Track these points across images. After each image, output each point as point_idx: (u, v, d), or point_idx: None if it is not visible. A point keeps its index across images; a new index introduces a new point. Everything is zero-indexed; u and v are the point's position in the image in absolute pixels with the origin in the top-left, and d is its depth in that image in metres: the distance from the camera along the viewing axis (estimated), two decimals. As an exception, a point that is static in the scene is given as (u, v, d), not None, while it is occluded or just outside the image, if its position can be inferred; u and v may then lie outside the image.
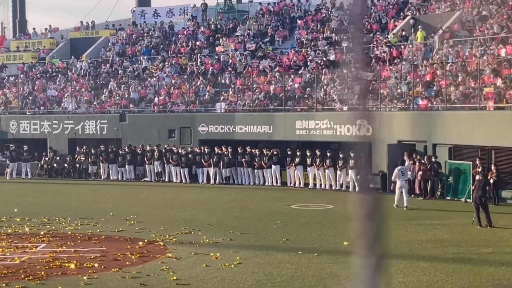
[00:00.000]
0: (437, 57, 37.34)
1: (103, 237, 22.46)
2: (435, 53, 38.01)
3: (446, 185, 31.49)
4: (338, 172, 35.35)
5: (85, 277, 16.67)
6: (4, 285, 15.97)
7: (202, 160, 39.49)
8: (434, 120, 33.38)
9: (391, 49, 39.86)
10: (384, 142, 34.13)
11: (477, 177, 25.24)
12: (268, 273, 16.89)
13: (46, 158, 44.52)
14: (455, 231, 23.01)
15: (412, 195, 32.08)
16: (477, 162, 29.05)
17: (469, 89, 33.73)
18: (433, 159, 31.99)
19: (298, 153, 36.90)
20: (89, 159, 43.07)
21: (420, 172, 31.66)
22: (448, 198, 31.14)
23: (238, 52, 47.07)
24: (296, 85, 41.25)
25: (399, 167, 29.30)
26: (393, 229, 23.25)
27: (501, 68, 33.14)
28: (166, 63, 48.50)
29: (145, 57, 50.19)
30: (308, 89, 40.67)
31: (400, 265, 17.74)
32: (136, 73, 48.48)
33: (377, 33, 43.31)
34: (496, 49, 34.78)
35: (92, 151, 42.98)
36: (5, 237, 22.54)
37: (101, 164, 42.73)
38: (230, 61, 46.22)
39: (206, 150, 39.51)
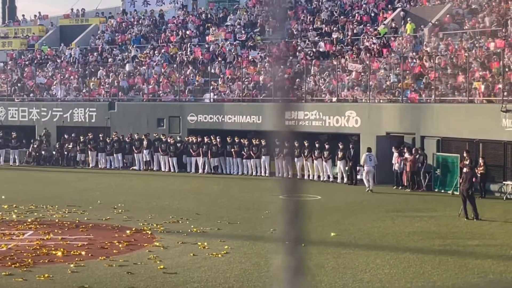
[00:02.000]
0: (426, 49, 37.40)
1: (90, 225, 22.47)
2: (425, 46, 38.08)
3: (434, 178, 31.60)
4: (324, 163, 35.42)
5: (72, 265, 16.68)
6: (-10, 272, 15.96)
7: (191, 150, 39.47)
8: (422, 113, 33.47)
9: (381, 41, 39.89)
10: (372, 134, 34.23)
11: (465, 169, 25.36)
12: (255, 263, 16.94)
13: (34, 146, 44.36)
14: (442, 223, 23.11)
15: (400, 187, 32.24)
16: (465, 154, 29.16)
17: (457, 82, 33.80)
18: (419, 152, 32.09)
19: (286, 144, 36.82)
20: (77, 147, 42.96)
21: (408, 164, 31.74)
22: (435, 190, 31.26)
23: (228, 42, 47.01)
24: (286, 76, 41.17)
25: (366, 153, 32.11)
26: (380, 221, 23.35)
27: (490, 62, 33.22)
28: (155, 52, 48.37)
29: (135, 46, 50.04)
30: (297, 79, 40.65)
31: (387, 256, 17.83)
32: (125, 62, 48.33)
33: (367, 25, 43.33)
34: (486, 42, 34.87)
35: (81, 139, 42.86)
36: (-8, 224, 22.50)
37: (89, 152, 42.63)
38: (220, 50, 46.15)
39: (194, 139, 39.47)
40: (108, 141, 42.03)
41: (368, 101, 36.64)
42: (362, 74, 38.26)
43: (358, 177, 34.04)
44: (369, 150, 32.59)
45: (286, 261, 2.33)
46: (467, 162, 27.57)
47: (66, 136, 43.69)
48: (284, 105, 2.39)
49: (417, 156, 31.91)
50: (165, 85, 44.62)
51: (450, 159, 31.06)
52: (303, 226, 2.40)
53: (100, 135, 42.29)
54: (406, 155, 31.93)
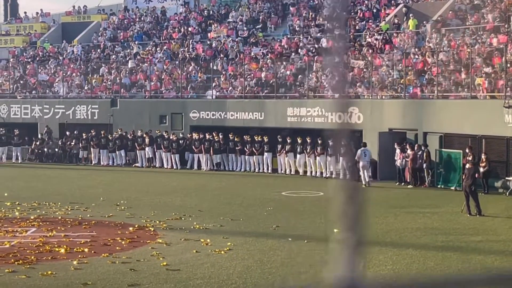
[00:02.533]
0: (429, 45, 37.35)
1: (93, 222, 22.47)
2: (427, 42, 38.03)
3: (437, 174, 31.58)
4: (328, 159, 35.42)
5: (75, 262, 16.69)
6: (-6, 269, 15.97)
7: (193, 146, 39.46)
8: (425, 109, 33.43)
9: (383, 37, 39.85)
10: (375, 130, 34.20)
11: (467, 165, 25.34)
12: (258, 259, 16.94)
13: (37, 143, 44.39)
14: (445, 219, 23.10)
15: (402, 183, 32.23)
16: (467, 150, 29.12)
17: (459, 78, 33.76)
18: (422, 148, 32.07)
19: (288, 140, 36.90)
20: (80, 144, 42.97)
21: (409, 160, 31.73)
22: (438, 186, 31.24)
23: (230, 39, 46.98)
24: (288, 72, 41.22)
25: (361, 149, 32.06)
26: (383, 217, 23.33)
27: (492, 57, 33.18)
28: (157, 49, 48.36)
29: (137, 43, 50.03)
30: (300, 76, 40.63)
31: (390, 252, 17.82)
32: (127, 59, 48.33)
33: (369, 21, 43.28)
34: (488, 38, 34.82)
35: (83, 136, 42.87)
36: (-5, 221, 22.52)
37: (92, 149, 42.65)
38: (222, 47, 46.13)
39: (197, 136, 39.46)
40: (110, 138, 42.04)
41: (370, 97, 36.60)
42: (364, 70, 38.22)
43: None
44: (364, 145, 32.79)
45: (346, 240, 2.36)
46: (469, 158, 27.54)
47: (68, 133, 43.70)
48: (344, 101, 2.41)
49: (419, 152, 31.89)
50: (167, 82, 44.61)
51: (453, 155, 31.02)
52: (361, 207, 2.44)
53: (102, 132, 42.30)
54: (408, 151, 31.93)
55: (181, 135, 40.46)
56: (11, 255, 17.43)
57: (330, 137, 2.86)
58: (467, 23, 37.85)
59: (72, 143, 43.38)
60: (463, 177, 25.59)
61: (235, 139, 38.51)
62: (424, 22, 39.74)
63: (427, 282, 2.42)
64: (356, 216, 2.41)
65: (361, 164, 32.07)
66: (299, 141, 36.40)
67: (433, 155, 31.82)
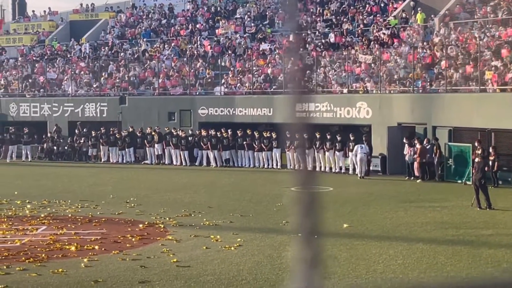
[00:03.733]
0: (437, 39, 37.26)
1: (103, 219, 22.53)
2: (435, 35, 37.93)
3: (446, 168, 31.52)
4: (337, 154, 35.42)
5: (85, 259, 16.73)
6: (5, 267, 16.04)
7: (202, 143, 39.48)
8: (434, 103, 33.35)
9: (391, 31, 39.76)
10: (384, 124, 34.17)
11: (477, 159, 25.27)
12: (268, 255, 16.95)
13: (47, 141, 44.46)
14: (455, 213, 23.05)
15: (412, 178, 32.18)
16: (476, 144, 29.05)
17: (468, 72, 33.67)
18: (432, 141, 32.02)
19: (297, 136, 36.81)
20: (89, 142, 43.05)
21: (417, 154, 31.70)
22: (448, 180, 31.17)
23: (238, 35, 46.97)
24: (296, 68, 41.10)
25: (359, 144, 33.34)
26: (393, 211, 23.31)
27: (501, 48, 33.06)
28: (165, 46, 48.39)
29: (145, 40, 50.07)
30: (307, 71, 40.57)
31: (400, 247, 17.80)
32: (135, 56, 48.38)
33: (377, 15, 43.20)
34: (497, 32, 34.70)
35: (92, 134, 42.95)
36: (5, 219, 22.61)
37: (101, 146, 42.72)
38: (230, 43, 46.12)
39: (206, 133, 39.47)
40: (120, 135, 42.11)
41: (379, 92, 36.55)
42: (372, 65, 38.16)
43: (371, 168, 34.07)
44: (363, 139, 33.69)
45: (302, 252, 2.31)
46: (479, 152, 27.46)
47: (77, 131, 43.78)
48: (296, 97, 2.37)
49: (428, 146, 31.84)
50: (175, 79, 44.64)
51: (462, 149, 30.96)
52: (318, 217, 2.38)
53: (111, 129, 42.37)
54: (417, 145, 31.90)
55: (190, 132, 40.49)
56: (21, 253, 17.49)
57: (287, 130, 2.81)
58: (475, 16, 37.73)
59: (82, 141, 43.47)
60: (473, 170, 25.53)
61: (244, 135, 38.51)
62: (432, 15, 39.64)
63: None
64: (312, 228, 2.38)
65: (358, 157, 33.09)
66: (307, 136, 36.31)
67: (442, 149, 31.77)
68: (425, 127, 33.29)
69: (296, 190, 2.46)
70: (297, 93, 2.38)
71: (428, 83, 35.28)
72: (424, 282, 14.28)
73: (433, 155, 31.66)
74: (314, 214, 2.36)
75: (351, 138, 34.48)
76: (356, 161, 33.62)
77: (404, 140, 32.93)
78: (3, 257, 17.06)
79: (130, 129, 41.78)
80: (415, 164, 32.09)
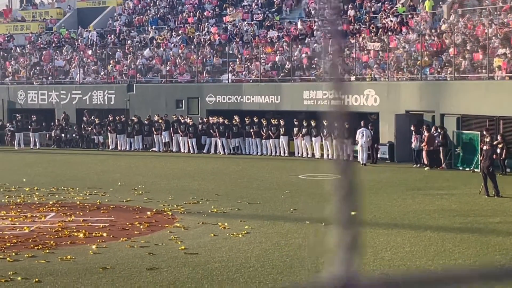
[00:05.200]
0: (445, 26, 37.12)
1: (111, 207, 22.59)
2: (443, 23, 37.79)
3: (454, 155, 31.47)
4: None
5: (94, 246, 16.79)
6: (13, 254, 16.11)
7: (210, 131, 39.49)
8: (442, 90, 33.27)
9: (399, 19, 39.63)
10: (392, 112, 34.11)
11: (485, 147, 25.22)
12: (276, 242, 16.98)
13: (55, 129, 44.56)
14: (463, 201, 23.03)
15: (419, 165, 32.14)
16: (484, 132, 29.00)
17: (477, 59, 33.55)
18: (439, 130, 31.96)
19: (305, 124, 36.86)
20: (95, 129, 43.10)
21: (424, 142, 31.67)
22: (456, 168, 31.13)
23: (245, 22, 46.88)
24: (303, 55, 41.10)
25: (360, 129, 33.13)
26: (400, 199, 23.31)
27: (510, 36, 32.93)
28: (173, 33, 48.34)
29: (153, 27, 50.02)
30: (315, 59, 40.52)
31: (407, 234, 17.81)
32: (143, 43, 48.36)
33: (385, 3, 43.04)
34: (506, 19, 34.55)
35: (100, 121, 43.00)
36: (14, 206, 22.70)
37: (109, 134, 42.79)
38: (238, 31, 46.04)
39: (213, 120, 39.48)
40: (129, 122, 42.16)
41: (387, 79, 36.48)
42: (380, 52, 38.06)
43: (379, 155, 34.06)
44: (363, 125, 33.56)
45: (341, 237, 2.31)
46: (487, 140, 27.41)
47: (85, 119, 43.84)
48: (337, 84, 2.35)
49: (435, 134, 31.80)
50: (183, 67, 44.63)
51: (470, 137, 30.90)
52: (357, 204, 2.38)
53: (117, 117, 42.42)
54: (425, 133, 31.87)
55: (199, 120, 40.47)
56: (30, 240, 17.57)
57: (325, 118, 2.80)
58: (484, 3, 37.56)
59: (90, 128, 43.55)
60: (481, 158, 25.49)
61: (252, 123, 38.51)
62: (440, 3, 39.48)
63: (424, 277, 2.39)
64: (350, 210, 2.38)
65: (359, 143, 33.11)
66: (314, 124, 36.38)
67: (450, 137, 31.73)
68: (433, 114, 33.22)
69: (336, 178, 2.46)
70: (338, 81, 2.36)
71: (436, 71, 35.18)
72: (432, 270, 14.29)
73: (438, 143, 31.61)
74: (353, 201, 2.36)
75: (361, 125, 34.39)
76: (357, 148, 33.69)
77: (412, 128, 32.88)
78: (12, 244, 17.14)
79: (135, 119, 41.77)
80: (423, 152, 32.05)
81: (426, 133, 31.84)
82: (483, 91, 31.26)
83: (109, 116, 42.69)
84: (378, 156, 34.14)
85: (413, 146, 32.62)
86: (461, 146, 31.26)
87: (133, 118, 42.04)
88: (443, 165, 31.45)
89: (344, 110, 2.40)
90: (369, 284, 2.42)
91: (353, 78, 37.73)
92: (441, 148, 31.65)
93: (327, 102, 36.58)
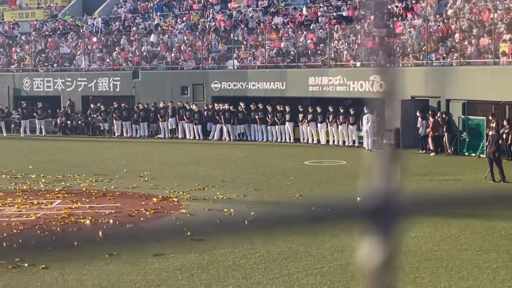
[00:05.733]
0: (451, 11, 36.97)
1: (117, 193, 22.64)
2: (449, 8, 37.63)
3: (460, 141, 31.44)
4: (350, 127, 35.41)
5: (100, 233, 16.83)
6: (20, 241, 16.16)
7: (216, 117, 39.50)
8: (448, 76, 33.19)
9: (404, 4, 39.48)
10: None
11: (490, 132, 25.18)
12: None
13: (60, 116, 44.63)
14: (469, 186, 23.00)
15: (425, 151, 32.12)
16: (490, 117, 28.94)
17: (482, 44, 33.44)
18: (443, 115, 31.90)
19: (310, 110, 36.85)
20: (101, 116, 43.15)
21: (430, 128, 31.64)
22: (461, 153, 31.10)
23: (250, 8, 46.78)
24: (309, 41, 41.03)
25: (365, 115, 33.00)
26: (406, 185, 23.26)
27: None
28: (178, 20, 48.28)
29: (158, 14, 49.95)
30: (321, 45, 40.45)
31: (413, 220, 17.79)
32: (148, 30, 48.31)
33: (391, -12, 42.86)
34: None
35: (106, 108, 43.04)
36: (20, 193, 22.75)
37: (114, 121, 42.83)
38: (243, 17, 45.95)
39: (219, 107, 39.49)
40: (134, 109, 42.22)
41: (392, 65, 36.32)
42: (385, 38, 37.89)
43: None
44: (370, 112, 33.03)
45: (381, 150, 2.28)
46: (493, 125, 27.36)
47: (92, 106, 43.85)
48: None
49: (440, 120, 31.76)
50: (188, 53, 44.59)
51: (476, 122, 30.85)
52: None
53: (122, 104, 42.47)
54: (430, 119, 31.84)
55: (204, 107, 40.47)
56: (37, 227, 17.63)
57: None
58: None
59: (95, 116, 43.60)
60: (487, 143, 25.46)
61: (257, 109, 38.50)
62: (446, -13, 39.29)
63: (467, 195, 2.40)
64: (391, 125, 2.35)
65: (364, 129, 33.28)
66: (320, 110, 36.37)
67: (456, 123, 31.70)
68: (438, 100, 33.15)
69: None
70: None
71: (442, 56, 35.08)
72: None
73: (443, 129, 31.58)
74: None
75: (365, 111, 34.36)
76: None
77: (417, 114, 32.84)
78: (18, 231, 17.20)
79: (141, 106, 41.81)
80: (429, 138, 32.02)
81: (431, 119, 31.80)
82: (489, 76, 31.17)
83: (114, 103, 42.72)
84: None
85: (420, 132, 32.60)
86: (466, 131, 31.23)
87: (139, 105, 42.10)
88: (449, 151, 31.43)
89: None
90: (410, 201, 2.41)
91: (358, 64, 37.66)
92: (445, 134, 31.64)
93: (332, 88, 36.75)
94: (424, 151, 32.18)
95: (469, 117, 31.49)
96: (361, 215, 2.40)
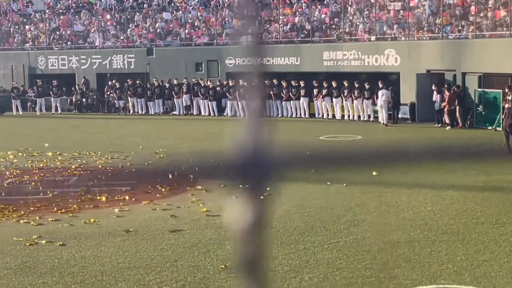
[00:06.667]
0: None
1: (133, 170, 22.70)
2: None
3: (476, 114, 31.28)
4: (365, 102, 35.30)
5: (116, 210, 16.92)
6: (37, 218, 16.27)
7: (230, 93, 39.46)
8: (463, 49, 32.96)
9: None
10: (412, 72, 33.87)
11: (507, 105, 25.03)
12: (297, 204, 17.01)
13: (75, 93, 44.73)
14: (485, 159, 22.92)
15: (440, 124, 31.99)
16: (507, 90, 28.76)
17: (498, 16, 33.14)
18: (454, 89, 31.70)
19: (325, 85, 36.73)
20: (117, 94, 43.20)
21: (446, 101, 31.49)
22: (478, 127, 30.95)
23: (264, -17, 46.52)
24: (323, 16, 40.80)
25: (380, 90, 33.45)
26: (422, 158, 23.22)
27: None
28: (191, -4, 48.09)
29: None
30: (335, 19, 40.22)
31: (429, 194, 17.78)
32: (161, 7, 48.21)
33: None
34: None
35: (120, 86, 43.08)
36: (37, 171, 22.88)
37: (129, 98, 42.89)
38: (256, -8, 45.70)
39: (233, 83, 39.43)
40: (148, 86, 42.25)
41: (407, 38, 36.16)
42: (400, 11, 37.69)
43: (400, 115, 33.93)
44: (383, 87, 33.57)
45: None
46: (509, 98, 27.20)
47: (110, 83, 43.83)
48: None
49: (456, 93, 31.59)
50: (202, 29, 44.48)
51: (492, 95, 30.67)
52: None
53: (137, 81, 42.47)
54: (445, 92, 31.68)
55: (217, 82, 40.45)
56: (54, 204, 17.74)
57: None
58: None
59: (110, 93, 43.67)
60: (503, 116, 25.31)
61: (273, 84, 38.42)
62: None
63: None
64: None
65: (378, 104, 33.51)
66: (335, 85, 36.25)
67: (472, 96, 31.54)
68: (454, 73, 32.95)
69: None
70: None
71: (458, 29, 34.82)
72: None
73: (458, 102, 31.43)
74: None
75: (380, 86, 34.21)
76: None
77: (433, 87, 32.68)
78: (35, 208, 17.31)
79: (155, 83, 41.81)
80: (445, 111, 31.87)
81: (447, 93, 31.63)
82: (505, 49, 30.92)
83: (128, 80, 42.74)
84: (399, 116, 34.01)
85: (436, 105, 32.46)
86: (483, 104, 31.06)
87: (154, 81, 42.11)
88: (460, 124, 31.28)
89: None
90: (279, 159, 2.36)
91: (373, 38, 37.45)
92: (457, 107, 31.49)
93: (347, 63, 36.58)
94: (439, 124, 32.04)
95: (485, 90, 31.31)
96: (233, 172, 2.36)
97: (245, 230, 2.13)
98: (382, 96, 33.18)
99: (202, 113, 40.44)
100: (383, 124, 32.79)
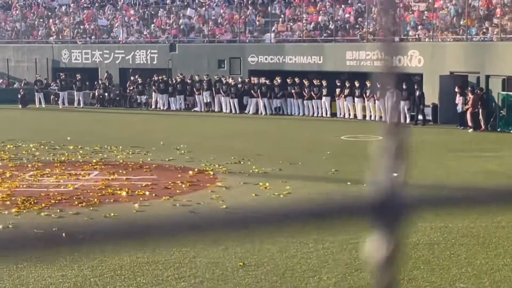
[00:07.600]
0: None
1: (154, 165, 22.75)
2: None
3: (498, 117, 31.07)
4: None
5: (136, 205, 16.97)
6: (58, 211, 16.36)
7: (252, 91, 39.46)
8: (487, 51, 32.74)
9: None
10: (436, 73, 33.70)
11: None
12: (318, 203, 16.94)
13: (98, 88, 44.92)
14: (508, 163, 22.77)
15: (463, 127, 31.81)
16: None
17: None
18: (477, 92, 31.49)
19: (347, 84, 36.64)
20: (139, 89, 43.33)
21: (469, 104, 31.30)
22: (500, 130, 30.74)
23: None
24: (347, 15, 40.70)
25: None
26: (443, 161, 23.11)
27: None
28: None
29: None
30: (359, 19, 40.11)
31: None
32: (185, 3, 48.28)
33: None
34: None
35: (142, 81, 43.19)
36: (58, 164, 22.99)
37: (153, 93, 42.98)
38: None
39: (255, 80, 39.42)
40: (170, 82, 42.34)
41: (431, 40, 35.99)
42: (425, 12, 37.52)
43: (419, 117, 33.74)
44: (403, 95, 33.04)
45: (386, 143, 2.24)
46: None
47: (133, 78, 43.97)
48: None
49: (479, 96, 31.40)
50: (225, 26, 44.50)
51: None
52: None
53: (160, 77, 42.53)
54: (469, 95, 31.49)
55: (239, 80, 40.47)
56: (74, 198, 17.82)
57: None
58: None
59: (132, 88, 43.81)
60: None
61: (294, 83, 38.38)
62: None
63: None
64: (396, 119, 2.30)
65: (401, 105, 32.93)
66: (357, 84, 36.15)
67: (495, 99, 31.33)
68: (478, 76, 32.75)
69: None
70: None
71: (482, 31, 34.61)
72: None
73: (479, 106, 31.24)
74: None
75: (403, 87, 34.00)
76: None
77: (456, 89, 32.50)
78: (56, 201, 17.40)
79: (179, 78, 41.90)
80: (468, 114, 31.68)
81: (470, 95, 31.43)
82: (530, 52, 30.70)
83: (155, 75, 42.81)
84: (421, 117, 33.85)
85: (458, 107, 32.27)
86: (506, 108, 30.84)
87: (177, 77, 42.19)
88: (482, 127, 31.08)
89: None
90: (416, 198, 2.40)
91: (396, 38, 37.27)
92: (480, 110, 31.29)
93: (370, 63, 36.50)
94: (462, 127, 31.86)
95: (509, 93, 31.08)
96: (365, 211, 2.38)
97: (381, 263, 2.21)
98: (403, 108, 32.42)
99: (224, 110, 40.47)
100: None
